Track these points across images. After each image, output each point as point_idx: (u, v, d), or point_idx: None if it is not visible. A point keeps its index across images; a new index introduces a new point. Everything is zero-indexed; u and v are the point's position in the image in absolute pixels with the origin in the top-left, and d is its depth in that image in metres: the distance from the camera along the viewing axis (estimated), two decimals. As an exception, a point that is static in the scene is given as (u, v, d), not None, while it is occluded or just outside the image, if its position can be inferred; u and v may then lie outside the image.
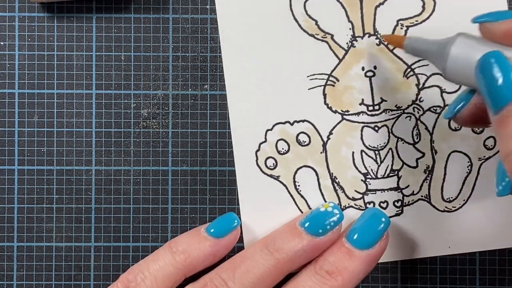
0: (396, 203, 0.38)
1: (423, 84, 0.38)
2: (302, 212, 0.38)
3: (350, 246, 0.35)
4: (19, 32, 0.38)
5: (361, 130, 0.38)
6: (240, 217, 0.38)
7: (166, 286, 0.34)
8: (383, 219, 0.35)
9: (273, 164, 0.38)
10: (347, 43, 0.38)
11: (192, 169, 0.38)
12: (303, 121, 0.38)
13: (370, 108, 0.38)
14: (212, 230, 0.36)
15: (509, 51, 0.28)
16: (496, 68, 0.27)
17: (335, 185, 0.38)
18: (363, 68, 0.38)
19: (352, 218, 0.38)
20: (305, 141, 0.38)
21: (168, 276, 0.34)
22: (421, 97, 0.38)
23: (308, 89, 0.38)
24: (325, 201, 0.38)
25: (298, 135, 0.38)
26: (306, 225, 0.35)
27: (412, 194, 0.38)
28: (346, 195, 0.38)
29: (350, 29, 0.38)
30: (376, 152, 0.38)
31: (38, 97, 0.38)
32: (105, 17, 0.38)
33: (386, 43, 0.37)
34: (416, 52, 0.33)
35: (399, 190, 0.38)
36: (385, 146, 0.38)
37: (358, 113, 0.38)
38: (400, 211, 0.38)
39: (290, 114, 0.38)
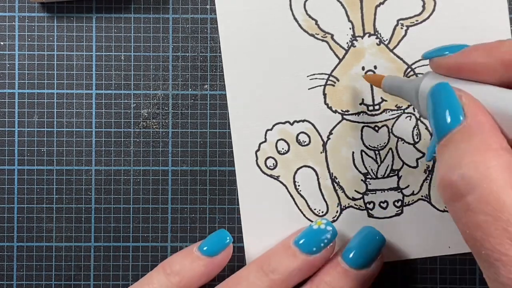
0: (396, 203, 0.38)
1: (423, 84, 0.38)
2: (302, 212, 0.38)
3: (346, 266, 0.35)
4: (19, 32, 0.38)
5: (361, 130, 0.38)
6: (240, 217, 0.38)
7: None
8: (377, 237, 0.35)
9: (273, 164, 0.38)
10: (347, 43, 0.38)
11: (192, 169, 0.38)
12: (303, 121, 0.38)
13: (370, 108, 0.38)
14: (205, 249, 0.35)
15: (464, 86, 0.28)
16: (441, 98, 0.27)
17: (335, 185, 0.38)
18: (363, 68, 0.38)
19: (352, 219, 0.38)
20: (305, 141, 0.38)
21: None
22: (421, 97, 0.38)
23: (308, 89, 0.38)
24: (326, 202, 0.38)
25: (298, 135, 0.38)
26: (300, 242, 0.35)
27: (412, 194, 0.38)
28: (346, 195, 0.38)
29: (350, 28, 0.38)
30: (376, 152, 0.38)
31: (38, 97, 0.38)
32: (105, 17, 0.38)
33: (386, 41, 0.37)
34: (392, 90, 0.33)
35: (399, 190, 0.38)
36: (385, 146, 0.38)
37: (358, 113, 0.38)
38: (400, 211, 0.38)
39: (290, 114, 0.38)
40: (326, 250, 0.35)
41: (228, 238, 0.36)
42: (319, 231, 0.35)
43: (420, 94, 0.30)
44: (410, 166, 0.38)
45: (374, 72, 0.38)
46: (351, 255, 0.35)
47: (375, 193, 0.38)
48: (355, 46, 0.38)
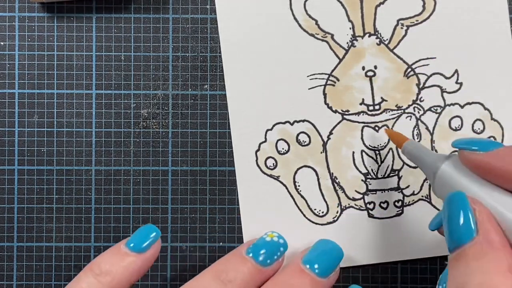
0: (396, 203, 0.38)
1: (424, 83, 0.38)
2: (302, 212, 0.38)
3: (313, 274, 0.34)
4: (19, 32, 0.38)
5: (362, 130, 0.38)
6: (240, 217, 0.38)
7: None
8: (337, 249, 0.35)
9: (273, 164, 0.38)
10: (347, 43, 0.38)
11: (192, 169, 0.38)
12: (303, 121, 0.38)
13: (371, 108, 0.38)
14: (132, 245, 0.34)
15: (484, 188, 0.27)
16: (456, 210, 0.27)
17: (335, 185, 0.38)
18: (363, 68, 0.38)
19: (352, 219, 0.38)
20: (305, 141, 0.38)
21: None
22: (421, 97, 0.38)
23: (308, 89, 0.38)
24: (326, 202, 0.38)
25: (298, 135, 0.38)
26: (254, 253, 0.34)
27: (413, 194, 0.38)
28: (346, 195, 0.38)
29: (350, 28, 0.38)
30: (377, 152, 0.38)
31: (38, 97, 0.38)
32: (105, 17, 0.38)
33: (386, 41, 0.37)
34: (411, 157, 0.33)
35: (400, 190, 0.38)
36: (385, 146, 0.38)
37: (358, 113, 0.38)
38: (400, 211, 0.38)
39: (290, 114, 0.38)
40: (278, 262, 0.35)
41: (155, 232, 0.34)
42: (273, 244, 0.35)
43: (437, 178, 0.29)
44: (410, 166, 0.38)
45: (374, 73, 0.37)
46: (316, 266, 0.34)
47: (375, 193, 0.38)
48: (355, 46, 0.38)
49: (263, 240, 0.35)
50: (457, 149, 0.29)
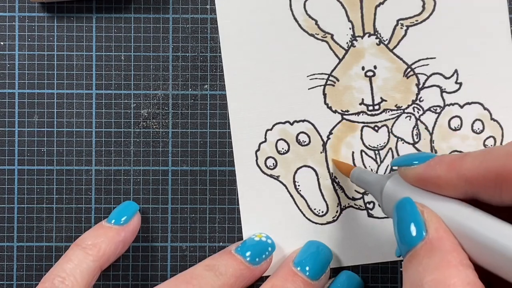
0: (396, 203, 0.38)
1: (423, 83, 0.38)
2: (302, 212, 0.38)
3: (305, 277, 0.35)
4: (19, 32, 0.38)
5: (361, 130, 0.38)
6: (240, 217, 0.38)
7: (87, 281, 0.34)
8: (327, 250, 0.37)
9: (273, 164, 0.38)
10: (347, 43, 0.38)
11: (192, 169, 0.38)
12: (303, 121, 0.38)
13: (370, 108, 0.38)
14: (113, 221, 0.36)
15: (427, 198, 0.28)
16: (404, 214, 0.27)
17: (335, 185, 0.38)
18: (363, 68, 0.38)
19: (352, 219, 0.38)
20: (305, 141, 0.38)
21: (87, 271, 0.34)
22: (421, 97, 0.38)
23: (308, 89, 0.38)
24: (326, 202, 0.38)
25: (298, 135, 0.38)
26: (245, 253, 0.36)
27: (412, 194, 0.38)
28: (346, 195, 0.38)
29: (350, 28, 0.38)
30: (376, 152, 0.38)
31: (38, 97, 0.38)
32: (105, 17, 0.38)
33: (386, 41, 0.37)
34: (359, 183, 0.34)
35: (399, 190, 0.38)
36: (385, 146, 0.38)
37: (358, 113, 0.38)
38: (400, 211, 0.38)
39: (290, 114, 0.38)
40: (266, 262, 0.36)
41: (133, 206, 0.37)
42: (261, 243, 0.37)
43: (383, 195, 0.30)
44: (410, 166, 0.38)
45: (374, 73, 0.38)
46: (307, 268, 0.36)
47: (375, 193, 0.38)
48: (355, 46, 0.38)
49: (252, 240, 0.37)
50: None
